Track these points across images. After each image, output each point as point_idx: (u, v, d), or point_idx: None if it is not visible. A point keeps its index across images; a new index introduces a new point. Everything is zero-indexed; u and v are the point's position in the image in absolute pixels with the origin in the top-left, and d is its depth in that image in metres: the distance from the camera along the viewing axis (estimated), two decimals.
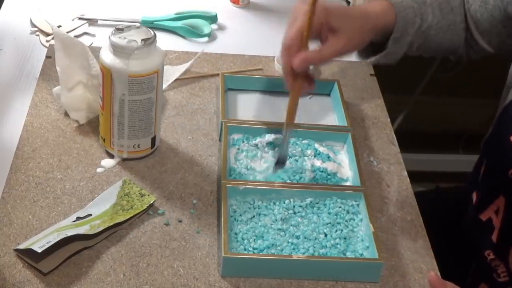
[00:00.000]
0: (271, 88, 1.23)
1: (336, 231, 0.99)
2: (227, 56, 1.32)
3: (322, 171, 1.06)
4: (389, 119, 1.23)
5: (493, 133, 1.13)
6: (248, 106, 1.20)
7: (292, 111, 1.06)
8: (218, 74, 1.24)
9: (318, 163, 1.07)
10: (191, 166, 1.09)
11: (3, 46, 1.31)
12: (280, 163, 1.06)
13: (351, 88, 1.27)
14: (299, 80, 1.04)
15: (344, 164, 1.10)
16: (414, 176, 1.15)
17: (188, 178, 1.07)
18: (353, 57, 1.36)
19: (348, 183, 1.07)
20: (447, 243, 1.21)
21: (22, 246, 0.91)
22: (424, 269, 0.98)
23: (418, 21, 1.16)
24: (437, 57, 1.24)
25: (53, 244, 0.89)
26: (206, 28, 1.39)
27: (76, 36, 1.34)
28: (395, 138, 1.19)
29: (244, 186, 1.01)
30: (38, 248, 0.88)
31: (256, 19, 1.48)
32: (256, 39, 1.41)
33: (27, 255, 0.91)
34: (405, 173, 1.13)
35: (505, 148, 1.06)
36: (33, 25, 1.36)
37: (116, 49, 0.99)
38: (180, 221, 1.00)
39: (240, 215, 0.99)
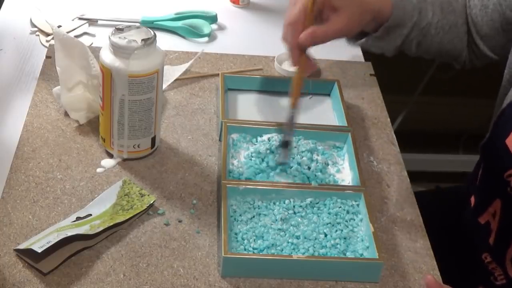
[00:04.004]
0: (271, 88, 1.23)
1: (336, 231, 0.99)
2: (227, 56, 1.32)
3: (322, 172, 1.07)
4: (389, 119, 1.23)
5: (489, 137, 1.13)
6: (248, 106, 1.20)
7: (298, 90, 1.06)
8: (218, 74, 1.24)
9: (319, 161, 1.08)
10: (191, 166, 1.09)
11: (3, 46, 1.31)
12: (284, 145, 1.05)
13: (351, 88, 1.27)
14: (304, 56, 1.05)
15: (344, 165, 1.10)
16: (414, 176, 1.15)
17: (188, 178, 1.07)
18: (353, 57, 1.36)
19: (348, 183, 1.07)
20: (447, 243, 1.21)
21: (22, 246, 0.91)
22: (424, 269, 0.98)
23: (416, 15, 1.15)
24: (439, 61, 1.22)
25: (53, 244, 0.89)
26: (206, 28, 1.39)
27: (76, 36, 1.33)
28: (395, 138, 1.19)
29: (244, 186, 1.01)
30: (38, 248, 0.88)
31: (256, 19, 1.48)
32: (256, 39, 1.41)
33: (27, 255, 0.91)
34: (405, 173, 1.13)
35: (501, 152, 1.06)
36: (33, 25, 1.36)
37: (116, 49, 0.99)
38: (180, 221, 1.00)
39: (240, 215, 0.99)
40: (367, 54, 1.37)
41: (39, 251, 0.88)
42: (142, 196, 1.01)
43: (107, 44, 1.00)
